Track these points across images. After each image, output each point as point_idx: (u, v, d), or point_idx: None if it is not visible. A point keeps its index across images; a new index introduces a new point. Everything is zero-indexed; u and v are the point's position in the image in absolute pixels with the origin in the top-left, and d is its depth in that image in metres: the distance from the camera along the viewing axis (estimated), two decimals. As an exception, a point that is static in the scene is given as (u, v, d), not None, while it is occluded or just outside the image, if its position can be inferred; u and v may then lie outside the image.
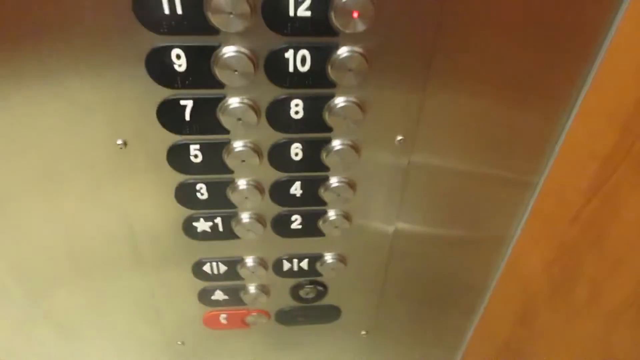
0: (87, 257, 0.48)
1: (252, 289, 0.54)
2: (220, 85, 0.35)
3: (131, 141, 0.39)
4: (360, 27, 0.32)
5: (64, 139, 0.38)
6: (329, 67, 0.35)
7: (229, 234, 0.47)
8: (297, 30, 0.33)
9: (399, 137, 0.40)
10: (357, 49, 0.34)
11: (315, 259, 0.51)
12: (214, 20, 0.32)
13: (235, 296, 0.54)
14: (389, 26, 0.34)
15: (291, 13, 0.32)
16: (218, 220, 0.45)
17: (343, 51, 0.34)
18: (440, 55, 0.36)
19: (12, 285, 0.51)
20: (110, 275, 0.51)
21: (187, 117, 0.37)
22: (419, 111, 0.39)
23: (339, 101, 0.37)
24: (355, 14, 0.32)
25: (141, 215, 0.45)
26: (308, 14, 0.32)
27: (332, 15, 0.32)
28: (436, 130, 0.40)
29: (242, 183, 0.42)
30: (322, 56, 0.35)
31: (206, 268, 0.50)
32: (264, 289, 0.54)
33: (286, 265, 0.51)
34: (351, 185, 0.44)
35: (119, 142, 0.39)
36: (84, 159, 0.40)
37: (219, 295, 0.54)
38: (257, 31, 0.33)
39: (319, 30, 0.33)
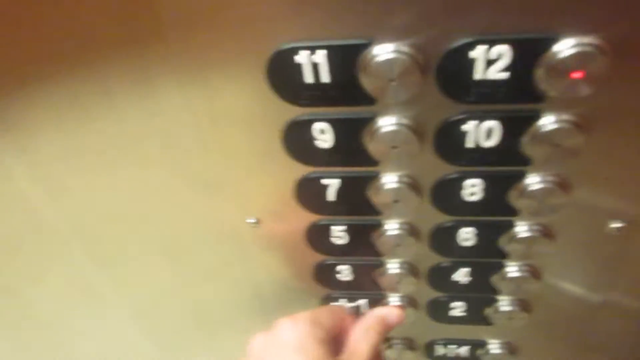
0: (214, 322, 0.44)
1: (396, 368, 0.46)
2: (372, 162, 0.27)
3: (264, 219, 0.33)
4: (584, 90, 0.22)
5: (191, 215, 0.33)
6: (526, 141, 0.25)
7: (373, 315, 0.39)
8: (484, 97, 0.24)
9: (616, 224, 0.29)
10: (568, 117, 0.24)
11: (477, 346, 0.41)
12: (370, 88, 0.24)
13: (377, 373, 0.47)
14: (618, 85, 0.23)
15: (477, 76, 0.23)
16: (362, 302, 0.38)
17: (549, 121, 0.24)
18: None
19: (145, 342, 0.48)
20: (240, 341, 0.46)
21: (331, 197, 0.30)
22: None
23: (533, 182, 0.27)
24: (577, 75, 0.22)
25: (274, 292, 0.39)
26: (503, 75, 0.23)
27: (541, 76, 0.22)
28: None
29: (393, 267, 0.34)
30: (516, 128, 0.25)
31: (345, 345, 0.43)
32: (410, 370, 0.46)
33: (440, 350, 0.42)
34: (535, 274, 0.33)
35: (250, 220, 0.33)
36: (212, 235, 0.35)
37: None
38: (426, 99, 0.24)
39: (515, 96, 0.23)
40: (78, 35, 0.24)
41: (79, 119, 0.29)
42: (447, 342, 0.41)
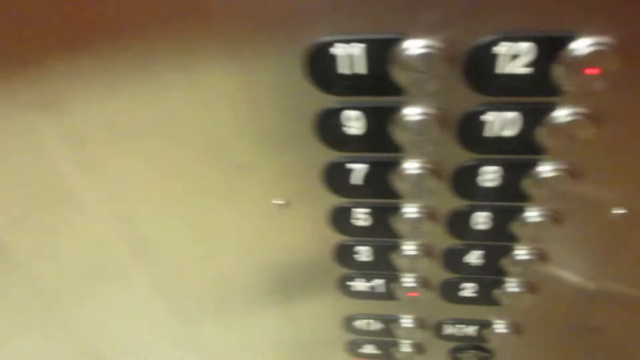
0: (236, 298, 0.46)
1: (406, 347, 0.48)
2: (397, 149, 0.30)
3: (290, 200, 0.35)
4: (598, 85, 0.24)
5: (220, 192, 0.36)
6: (541, 132, 0.27)
7: (387, 295, 0.41)
8: (505, 89, 0.26)
9: (619, 210, 0.31)
10: (582, 110, 0.26)
11: (484, 326, 0.44)
12: (401, 80, 0.26)
13: (387, 351, 0.49)
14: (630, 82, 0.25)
15: (500, 70, 0.25)
16: (378, 282, 0.40)
17: (564, 114, 0.26)
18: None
19: (165, 317, 0.51)
20: (258, 318, 0.48)
21: (356, 181, 0.32)
22: (653, 179, 0.29)
23: (546, 170, 0.29)
24: (592, 71, 0.24)
25: (292, 272, 0.41)
26: (524, 70, 0.25)
27: (559, 71, 0.24)
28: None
29: (410, 249, 0.36)
30: (533, 119, 0.27)
31: (358, 324, 0.46)
32: (419, 348, 0.48)
33: (448, 330, 0.45)
34: (543, 257, 0.35)
35: (277, 201, 0.35)
36: (238, 217, 0.37)
37: (368, 349, 0.49)
38: (451, 90, 0.26)
39: (534, 89, 0.26)
40: (122, 9, 0.26)
41: (117, 91, 0.30)
42: (454, 322, 0.44)
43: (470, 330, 0.44)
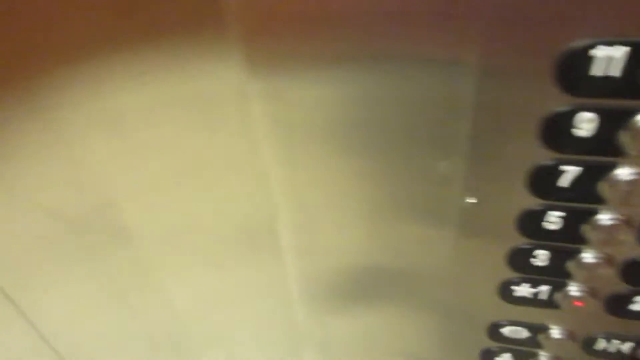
0: (381, 296, 0.47)
1: (544, 359, 0.48)
2: (619, 153, 0.30)
3: (482, 199, 0.36)
4: None
5: (404, 194, 0.37)
6: None
7: (548, 303, 0.41)
8: None
9: None
10: None
11: (640, 343, 0.43)
12: (656, 83, 0.27)
13: (523, 362, 0.49)
14: None
15: None
16: (543, 288, 0.40)
17: None
18: None
19: (295, 306, 0.52)
20: (396, 320, 0.49)
21: (563, 183, 0.32)
22: None
23: None
24: None
25: (457, 271, 0.42)
26: None
27: None
28: None
29: (591, 256, 0.37)
30: None
31: (505, 331, 0.46)
32: (558, 361, 0.48)
33: (600, 344, 0.44)
34: None
35: (471, 200, 0.36)
36: (421, 214, 0.38)
37: (504, 358, 0.49)
38: (701, 97, 0.27)
39: None
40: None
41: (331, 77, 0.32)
42: (612, 337, 0.43)
43: (625, 347, 0.43)
